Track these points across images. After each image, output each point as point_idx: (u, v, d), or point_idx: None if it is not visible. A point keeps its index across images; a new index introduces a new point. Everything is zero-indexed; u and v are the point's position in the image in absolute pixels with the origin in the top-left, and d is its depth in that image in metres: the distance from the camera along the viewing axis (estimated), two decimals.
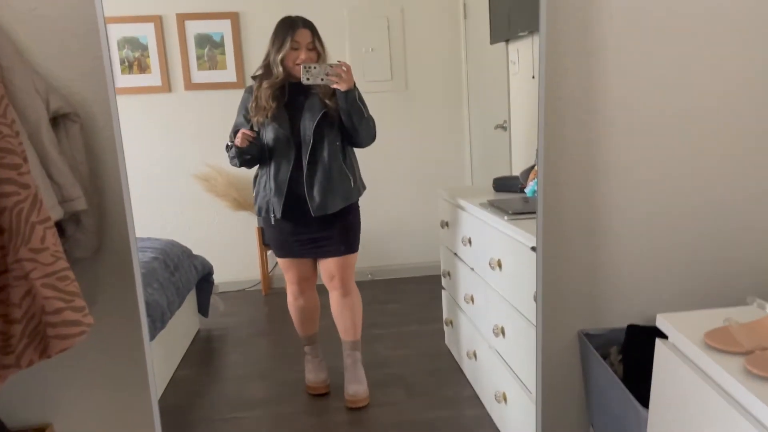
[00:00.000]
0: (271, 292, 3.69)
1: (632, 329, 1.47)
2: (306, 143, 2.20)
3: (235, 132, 2.27)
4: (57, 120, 1.25)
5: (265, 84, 2.21)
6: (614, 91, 1.44)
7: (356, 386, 2.35)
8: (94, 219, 1.29)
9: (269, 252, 3.69)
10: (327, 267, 2.39)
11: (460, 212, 2.44)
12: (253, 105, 2.25)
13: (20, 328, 1.13)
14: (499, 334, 2.05)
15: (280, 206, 2.22)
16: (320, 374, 2.47)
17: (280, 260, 2.43)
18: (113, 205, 1.31)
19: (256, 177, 2.39)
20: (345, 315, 2.43)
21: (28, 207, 1.10)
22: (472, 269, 2.36)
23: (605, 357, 1.51)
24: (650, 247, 1.51)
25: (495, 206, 2.07)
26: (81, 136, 1.26)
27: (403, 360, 2.72)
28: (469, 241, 2.35)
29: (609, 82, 1.43)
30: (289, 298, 2.49)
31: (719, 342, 1.05)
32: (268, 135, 2.23)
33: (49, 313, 1.12)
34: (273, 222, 2.28)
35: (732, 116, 1.48)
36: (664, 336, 1.20)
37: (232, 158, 2.31)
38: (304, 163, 2.20)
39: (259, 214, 2.35)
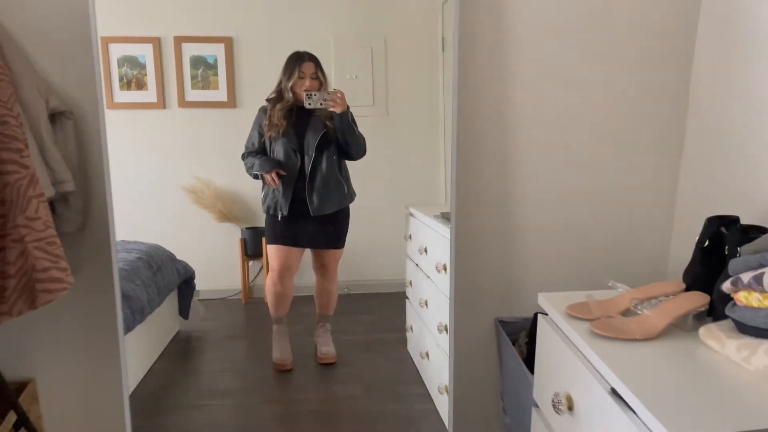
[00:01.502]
0: (250, 301, 3.95)
1: (536, 317, 1.73)
2: (309, 156, 2.72)
3: (249, 141, 2.85)
4: (54, 116, 1.56)
5: (277, 106, 2.74)
6: (521, 108, 1.75)
7: (327, 348, 2.96)
8: (80, 200, 1.59)
9: (251, 263, 3.96)
10: (320, 258, 2.94)
11: (419, 225, 2.72)
12: (267, 123, 2.77)
13: (13, 283, 1.41)
14: (443, 331, 2.31)
15: (287, 206, 2.74)
16: (285, 353, 2.90)
17: (271, 247, 2.86)
18: (96, 189, 1.61)
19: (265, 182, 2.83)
20: (325, 296, 3.04)
21: (26, 183, 1.40)
22: (428, 276, 2.62)
23: (515, 341, 1.77)
24: (552, 248, 1.81)
25: (444, 217, 2.35)
26: (73, 131, 1.57)
27: (365, 362, 2.97)
28: (425, 250, 2.62)
29: (516, 97, 1.75)
30: (268, 282, 2.93)
31: (576, 311, 1.33)
32: (278, 147, 2.74)
33: (39, 271, 1.41)
34: (279, 218, 2.78)
35: (613, 132, 1.80)
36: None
37: (248, 169, 2.84)
38: (307, 172, 2.72)
39: (267, 211, 2.84)
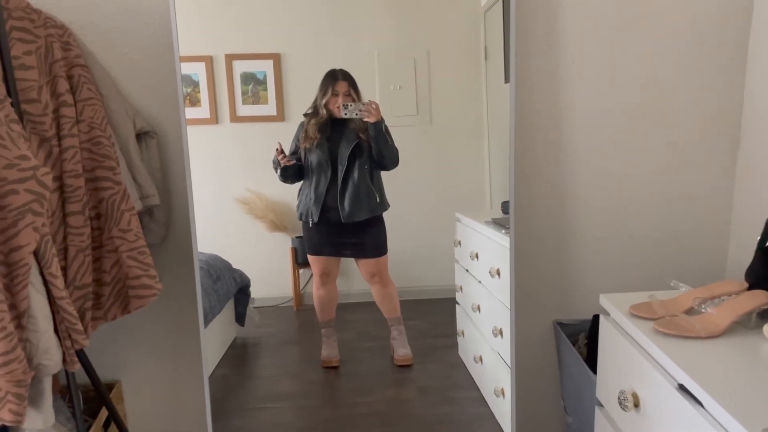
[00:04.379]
0: (301, 308, 4.04)
1: (596, 318, 1.78)
2: (342, 165, 2.87)
3: (290, 153, 3.04)
4: (140, 136, 1.69)
5: (312, 120, 2.95)
6: (576, 113, 1.81)
7: (404, 350, 3.09)
8: (163, 213, 1.71)
9: (301, 271, 4.08)
10: (366, 267, 3.08)
11: (470, 231, 2.79)
12: (303, 135, 2.97)
13: (109, 290, 1.54)
14: (497, 335, 2.36)
15: (317, 212, 2.90)
16: (332, 351, 3.08)
17: (309, 256, 3.09)
18: (179, 203, 1.73)
19: (299, 190, 3.04)
20: (387, 301, 3.19)
21: (119, 198, 1.53)
22: (479, 281, 2.68)
23: (575, 343, 1.82)
24: (608, 251, 1.86)
25: (496, 223, 2.41)
26: (157, 149, 1.70)
27: (418, 367, 3.04)
28: (476, 256, 2.68)
29: (573, 106, 1.81)
30: (314, 288, 3.15)
31: (640, 311, 1.38)
32: (312, 157, 2.91)
33: (131, 278, 1.53)
34: (311, 225, 2.95)
35: (673, 131, 1.85)
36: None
37: (275, 170, 3.05)
38: (339, 180, 2.87)
39: (300, 218, 3.04)
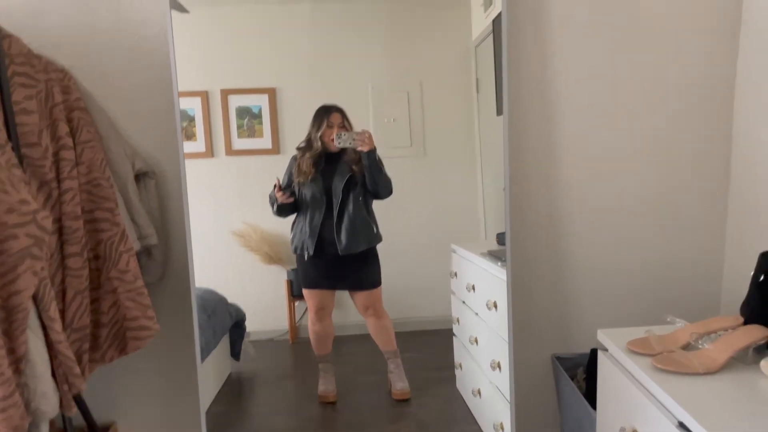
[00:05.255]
0: (297, 341, 4.02)
1: (594, 352, 1.79)
2: (336, 198, 2.89)
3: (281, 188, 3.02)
4: (139, 176, 1.70)
5: (307, 154, 2.97)
6: (568, 146, 1.85)
7: (401, 384, 3.06)
8: (161, 252, 1.72)
9: (297, 303, 4.07)
10: (361, 299, 3.07)
11: (465, 262, 2.80)
12: (296, 169, 2.98)
13: (106, 331, 1.54)
14: (496, 368, 2.36)
15: (312, 245, 2.90)
16: (329, 386, 3.03)
17: (304, 290, 3.07)
18: (177, 242, 1.74)
19: (293, 224, 3.05)
20: (382, 333, 3.16)
21: (118, 239, 1.54)
22: (476, 314, 2.68)
23: (573, 377, 1.83)
24: (605, 285, 1.88)
25: (492, 255, 2.43)
26: (156, 190, 1.71)
27: (416, 401, 3.02)
28: (473, 288, 2.69)
29: (565, 139, 1.84)
30: (309, 324, 3.11)
31: (638, 347, 1.39)
32: (306, 191, 2.92)
33: (129, 320, 1.53)
34: (306, 258, 2.94)
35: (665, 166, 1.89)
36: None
37: (271, 206, 3.07)
38: (335, 213, 2.89)
39: (294, 251, 3.03)
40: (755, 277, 1.39)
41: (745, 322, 1.40)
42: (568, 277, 1.89)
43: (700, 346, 1.34)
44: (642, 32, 1.84)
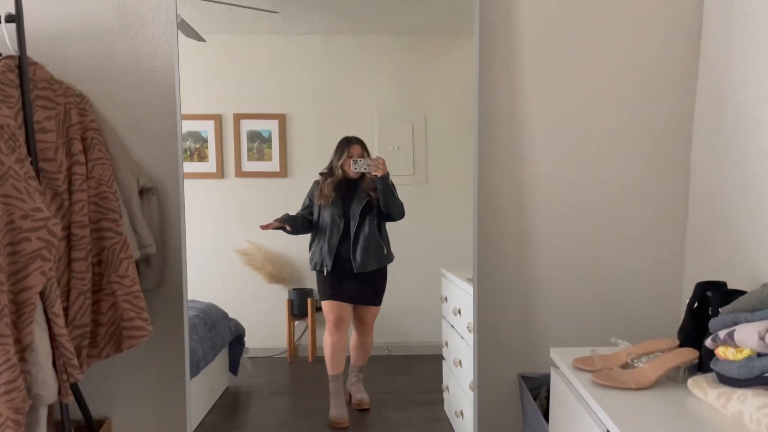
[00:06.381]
0: (296, 360, 4.15)
1: None
2: (354, 221, 3.13)
3: (303, 207, 3.29)
4: (142, 192, 1.90)
5: (328, 180, 3.20)
6: (536, 184, 2.02)
7: (362, 395, 3.24)
8: (159, 261, 1.91)
9: (296, 322, 4.21)
10: (360, 314, 3.25)
11: (453, 287, 2.95)
12: (318, 193, 3.21)
13: (104, 330, 1.72)
14: (474, 389, 2.48)
15: (330, 262, 3.13)
16: (342, 411, 3.12)
17: (325, 303, 3.25)
18: (174, 252, 1.93)
19: (311, 244, 3.27)
20: (364, 349, 3.35)
21: (119, 247, 1.73)
22: (462, 336, 2.81)
23: (537, 396, 1.96)
24: (570, 308, 2.03)
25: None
26: (157, 204, 1.91)
27: (404, 421, 3.14)
28: (459, 312, 2.82)
29: (533, 177, 2.02)
30: (325, 336, 3.27)
31: (582, 364, 1.54)
32: (326, 213, 3.17)
33: (125, 320, 1.71)
34: (325, 273, 3.17)
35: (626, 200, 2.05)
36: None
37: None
38: (351, 234, 3.12)
39: (314, 268, 3.26)
40: (690, 303, 1.52)
41: (680, 345, 1.53)
42: (535, 300, 2.05)
43: (637, 365, 1.48)
44: (607, 71, 2.03)
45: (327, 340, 3.24)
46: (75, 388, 1.67)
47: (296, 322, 4.18)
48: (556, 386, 1.62)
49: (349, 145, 3.22)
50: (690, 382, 1.39)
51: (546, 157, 2.02)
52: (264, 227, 3.23)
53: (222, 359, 3.53)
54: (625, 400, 1.37)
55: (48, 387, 1.52)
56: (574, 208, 2.03)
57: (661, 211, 2.05)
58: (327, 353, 3.25)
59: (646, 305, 2.06)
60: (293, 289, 4.12)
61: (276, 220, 3.20)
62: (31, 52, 1.67)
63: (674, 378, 1.45)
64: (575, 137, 2.02)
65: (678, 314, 2.06)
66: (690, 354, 1.45)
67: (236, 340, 3.63)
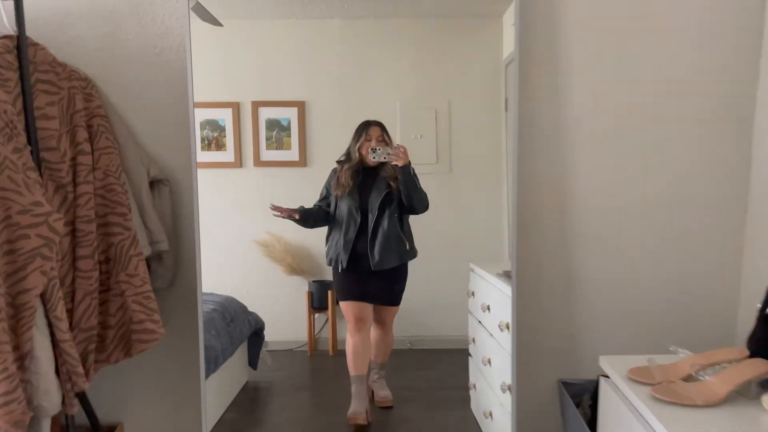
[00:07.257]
0: (316, 353, 4.04)
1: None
2: (372, 213, 2.93)
3: (320, 197, 3.15)
4: (153, 183, 1.75)
5: (345, 167, 3.03)
6: (579, 169, 1.84)
7: (385, 392, 3.10)
8: (172, 258, 1.76)
9: (317, 315, 4.09)
10: (378, 314, 3.11)
11: (482, 282, 2.79)
12: (335, 182, 3.04)
13: (113, 333, 1.58)
14: (506, 390, 2.33)
15: (346, 259, 2.94)
16: (360, 408, 2.95)
17: (341, 303, 3.09)
18: (187, 249, 1.78)
19: (327, 236, 3.10)
20: (385, 346, 3.20)
21: (128, 243, 1.58)
22: (491, 334, 2.66)
23: (579, 404, 1.79)
24: (615, 311, 1.84)
25: (507, 275, 2.40)
26: (169, 197, 1.76)
27: (428, 420, 3.00)
28: (488, 308, 2.67)
29: (577, 168, 1.83)
30: (347, 336, 3.10)
31: (638, 375, 1.36)
32: (343, 204, 2.99)
33: (135, 323, 1.57)
34: (340, 270, 2.98)
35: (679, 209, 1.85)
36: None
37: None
38: (369, 228, 2.92)
39: (329, 264, 3.09)
40: (762, 309, 1.35)
41: (751, 355, 1.36)
42: (578, 301, 1.87)
43: (702, 378, 1.31)
44: (658, 51, 1.82)
45: (348, 341, 3.08)
46: (81, 395, 1.54)
47: (316, 315, 4.06)
48: (606, 398, 1.46)
49: (368, 127, 3.04)
50: (765, 398, 1.21)
51: (591, 145, 1.83)
52: (275, 207, 3.03)
53: (241, 354, 3.43)
54: (690, 419, 1.21)
55: (50, 397, 1.38)
56: (622, 202, 1.84)
57: (719, 200, 1.85)
58: (349, 355, 3.09)
59: (699, 309, 1.86)
60: (313, 281, 3.99)
61: (290, 209, 3.01)
62: (32, 34, 1.53)
63: (745, 393, 1.27)
64: (624, 123, 1.82)
65: (734, 320, 1.88)
66: (763, 366, 1.27)
67: (255, 333, 3.52)
